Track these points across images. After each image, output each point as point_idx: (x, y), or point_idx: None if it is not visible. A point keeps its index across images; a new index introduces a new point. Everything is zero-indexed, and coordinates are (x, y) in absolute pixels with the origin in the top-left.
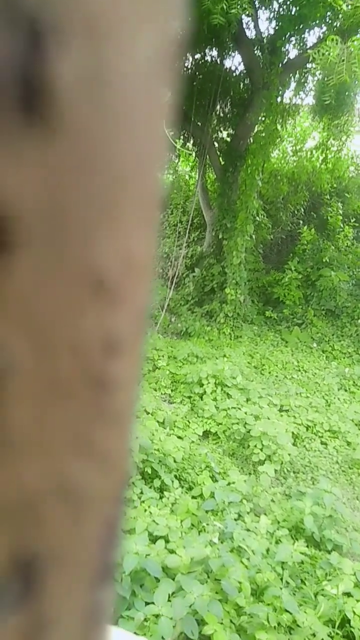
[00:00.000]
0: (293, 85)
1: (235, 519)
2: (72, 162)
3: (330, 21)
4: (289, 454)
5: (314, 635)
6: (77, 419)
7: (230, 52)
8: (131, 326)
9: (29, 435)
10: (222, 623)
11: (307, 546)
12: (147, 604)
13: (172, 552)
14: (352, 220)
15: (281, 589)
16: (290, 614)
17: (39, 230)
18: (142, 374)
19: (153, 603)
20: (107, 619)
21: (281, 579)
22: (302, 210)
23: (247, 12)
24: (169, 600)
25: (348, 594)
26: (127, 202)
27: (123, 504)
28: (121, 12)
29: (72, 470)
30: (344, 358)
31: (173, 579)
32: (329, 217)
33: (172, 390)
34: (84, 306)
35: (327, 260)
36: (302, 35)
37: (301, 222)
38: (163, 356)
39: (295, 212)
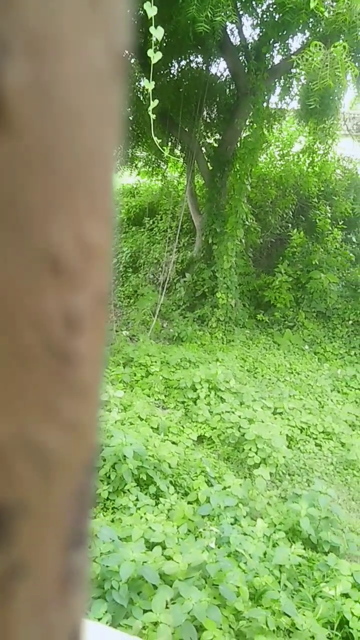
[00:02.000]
0: (278, 90)
1: (232, 524)
2: (23, 158)
3: (313, 27)
4: (284, 457)
5: (313, 637)
6: (42, 386)
7: (215, 59)
8: (92, 305)
9: None
10: (221, 629)
11: (304, 548)
12: (145, 611)
13: (169, 558)
14: (340, 223)
15: (279, 592)
16: (289, 617)
17: None
18: (106, 351)
19: (151, 610)
20: (84, 587)
21: (279, 582)
22: (291, 213)
23: (232, 20)
24: (167, 607)
25: (346, 595)
26: (80, 194)
27: (93, 473)
28: (63, 29)
29: (37, 431)
30: (335, 359)
31: (171, 586)
32: (317, 220)
33: (165, 396)
34: (43, 284)
35: (317, 263)
36: (286, 42)
37: (290, 225)
38: (156, 362)
39: (284, 215)
